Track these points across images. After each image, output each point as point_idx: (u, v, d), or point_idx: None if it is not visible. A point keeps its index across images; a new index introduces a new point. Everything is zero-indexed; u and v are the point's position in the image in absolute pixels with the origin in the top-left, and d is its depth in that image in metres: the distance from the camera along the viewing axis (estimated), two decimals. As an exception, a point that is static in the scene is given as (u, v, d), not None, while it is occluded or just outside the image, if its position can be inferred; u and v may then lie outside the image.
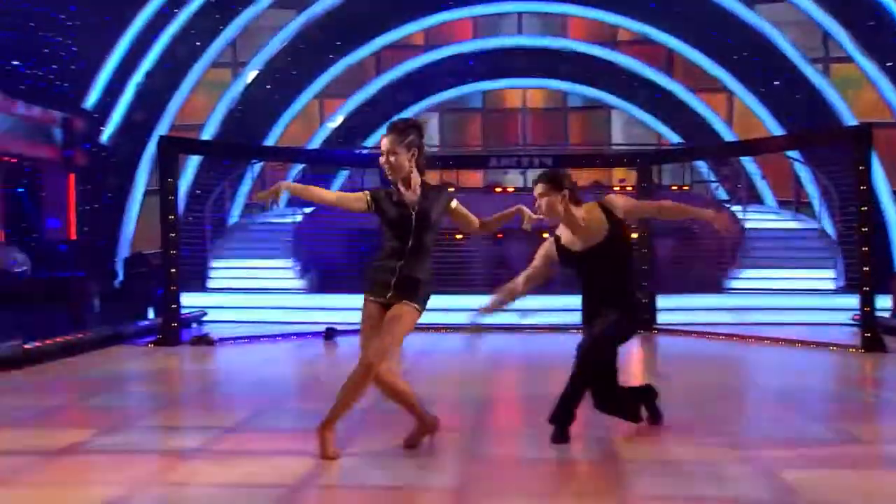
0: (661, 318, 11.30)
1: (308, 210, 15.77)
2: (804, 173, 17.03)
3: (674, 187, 16.86)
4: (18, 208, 16.06)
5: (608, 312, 4.76)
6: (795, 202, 16.79)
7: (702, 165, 18.40)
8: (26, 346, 8.06)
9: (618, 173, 18.38)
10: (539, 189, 4.75)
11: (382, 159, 4.45)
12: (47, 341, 8.46)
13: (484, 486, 4.09)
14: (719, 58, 18.68)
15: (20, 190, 16.27)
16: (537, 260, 4.98)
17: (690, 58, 18.99)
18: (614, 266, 4.77)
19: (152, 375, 7.96)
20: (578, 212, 4.73)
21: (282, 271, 14.76)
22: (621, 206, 4.73)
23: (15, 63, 16.22)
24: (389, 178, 4.49)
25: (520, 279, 5.04)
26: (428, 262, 4.51)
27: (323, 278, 14.66)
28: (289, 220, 15.85)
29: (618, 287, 4.80)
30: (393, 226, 4.45)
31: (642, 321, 4.76)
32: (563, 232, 4.82)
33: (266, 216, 17.10)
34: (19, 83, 15.85)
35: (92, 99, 18.13)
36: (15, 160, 15.82)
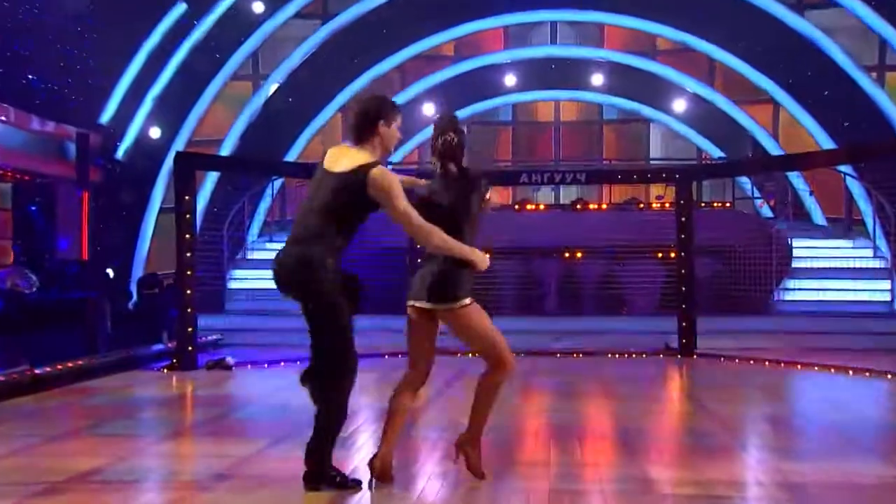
0: (701, 342, 11.21)
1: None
2: (857, 189, 16.86)
3: (715, 204, 16.76)
4: (30, 227, 16.29)
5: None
6: (847, 220, 16.60)
7: (745, 181, 18.25)
8: (36, 371, 8.15)
9: (655, 189, 18.31)
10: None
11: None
12: (58, 366, 8.55)
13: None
14: (765, 66, 18.56)
15: (32, 208, 16.52)
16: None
17: (734, 67, 18.90)
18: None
19: (166, 401, 8.01)
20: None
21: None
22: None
23: (30, 77, 16.51)
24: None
25: None
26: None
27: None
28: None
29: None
30: None
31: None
32: None
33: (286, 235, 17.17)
34: (35, 98, 16.12)
35: (108, 113, 18.41)
36: (28, 177, 16.06)
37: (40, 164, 16.03)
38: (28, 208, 16.55)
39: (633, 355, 11.18)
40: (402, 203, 4.30)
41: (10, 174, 15.67)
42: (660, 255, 13.39)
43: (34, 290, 13.43)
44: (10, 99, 15.30)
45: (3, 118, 14.92)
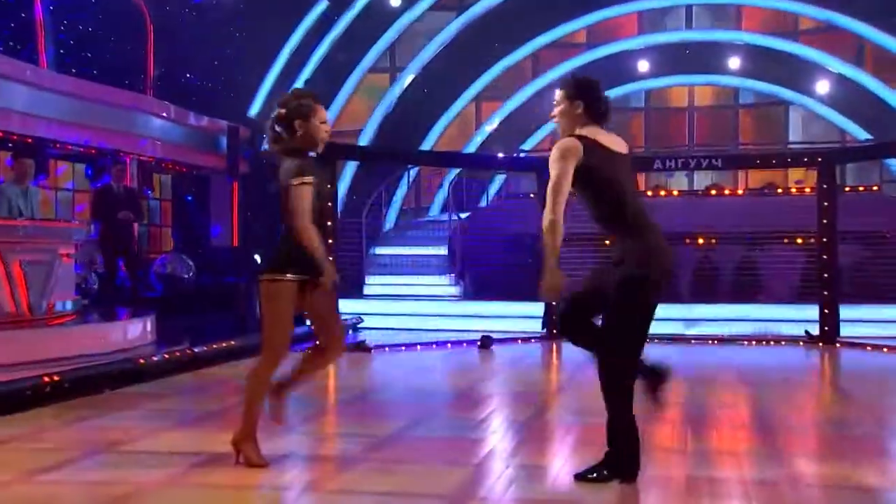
0: (845, 330, 10.71)
1: (464, 214, 15.96)
2: None
3: (861, 188, 15.95)
4: (187, 216, 17.06)
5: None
6: None
7: (893, 164, 17.26)
8: (194, 350, 8.54)
9: (794, 174, 17.58)
10: (556, 95, 4.36)
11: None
12: (213, 346, 8.93)
13: None
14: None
15: (189, 198, 17.28)
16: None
17: (883, 44, 17.84)
18: (591, 207, 4.24)
19: (309, 382, 8.23)
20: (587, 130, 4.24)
21: (437, 278, 14.99)
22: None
23: (188, 75, 17.28)
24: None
25: None
26: None
27: (479, 284, 14.77)
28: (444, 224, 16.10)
29: (613, 232, 4.25)
30: None
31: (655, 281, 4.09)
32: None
33: (422, 220, 17.44)
34: (191, 94, 16.84)
35: (255, 107, 19.06)
36: (185, 169, 16.81)
37: (196, 157, 16.71)
38: (185, 198, 17.31)
39: (772, 342, 10.79)
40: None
41: (169, 166, 16.44)
42: (799, 240, 12.83)
43: (191, 275, 14.06)
44: (170, 97, 16.05)
45: (164, 115, 15.64)
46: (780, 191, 16.47)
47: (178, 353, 8.32)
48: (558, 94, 4.33)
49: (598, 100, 4.27)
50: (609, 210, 4.18)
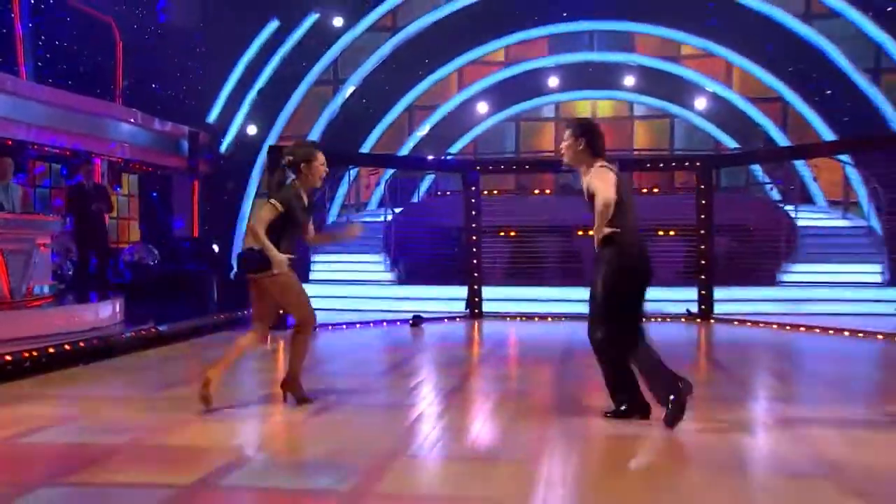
0: (718, 308, 11.09)
1: (398, 209, 15.98)
2: (854, 175, 16.41)
3: (731, 188, 16.45)
4: (152, 210, 16.74)
5: (595, 282, 4.68)
6: (845, 202, 16.17)
7: (757, 169, 17.88)
8: (159, 329, 8.43)
9: (679, 176, 18.05)
10: (565, 133, 4.82)
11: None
12: (175, 325, 8.82)
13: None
14: (775, 69, 18.13)
15: (154, 194, 16.95)
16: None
17: (748, 69, 18.47)
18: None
19: (262, 356, 8.21)
20: (592, 162, 4.69)
21: (374, 265, 14.99)
22: (590, 177, 4.66)
23: (153, 85, 16.92)
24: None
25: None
26: None
27: (411, 271, 14.83)
28: (380, 219, 16.10)
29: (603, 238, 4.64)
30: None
31: (634, 273, 4.64)
32: (582, 177, 4.78)
33: (361, 216, 17.40)
34: (157, 103, 16.51)
35: (213, 114, 18.74)
36: (150, 169, 16.48)
37: (160, 158, 16.42)
38: (150, 195, 16.98)
39: (659, 319, 11.12)
40: None
41: (136, 166, 16.10)
42: (672, 232, 13.20)
43: (156, 262, 13.81)
44: (138, 105, 15.73)
45: (131, 120, 15.31)
46: (656, 190, 16.93)
47: (144, 332, 8.21)
48: (566, 132, 4.79)
49: (598, 137, 4.71)
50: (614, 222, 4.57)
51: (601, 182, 4.53)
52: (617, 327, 4.61)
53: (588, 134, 4.70)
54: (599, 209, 4.50)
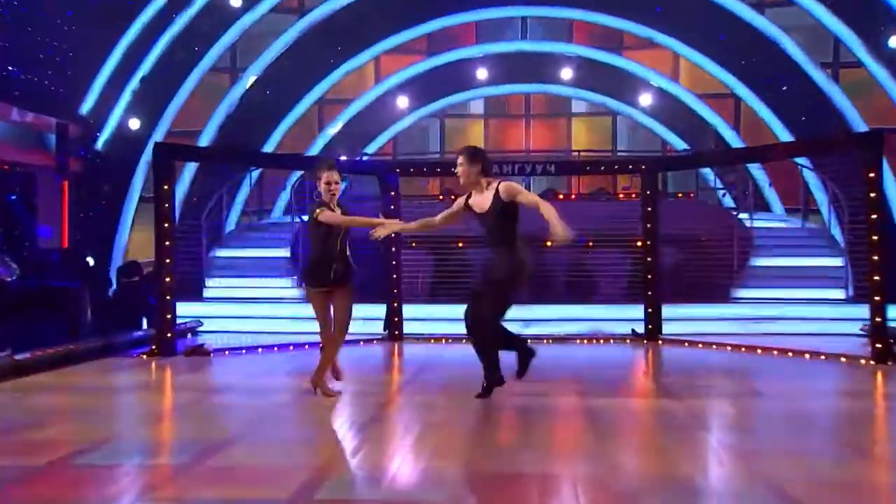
0: (666, 328, 11.27)
1: (305, 217, 15.74)
2: (813, 180, 17.00)
3: (679, 194, 16.82)
4: (10, 215, 16.06)
5: (491, 278, 6.40)
6: (804, 210, 16.73)
7: (708, 173, 18.35)
8: (16, 358, 8.03)
9: (622, 180, 18.36)
10: (459, 160, 6.49)
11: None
12: (38, 352, 8.43)
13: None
14: (726, 62, 18.66)
15: (12, 197, 16.28)
16: (454, 207, 6.68)
17: (697, 62, 18.98)
18: (499, 228, 6.38)
19: (144, 387, 7.93)
20: (485, 182, 6.47)
21: (279, 280, 14.74)
22: (503, 190, 6.33)
23: (10, 68, 16.28)
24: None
25: (438, 217, 6.76)
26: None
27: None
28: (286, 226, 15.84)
29: (503, 245, 6.37)
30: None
31: (525, 277, 6.45)
32: (474, 195, 6.53)
33: (262, 223, 17.12)
34: (14, 89, 15.90)
35: (87, 105, 18.16)
36: (7, 167, 15.86)
37: (19, 154, 15.84)
38: (8, 197, 16.31)
39: (602, 341, 11.23)
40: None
41: (-11, 163, 15.47)
42: (621, 244, 13.34)
43: (15, 277, 13.23)
44: (-10, 91, 15.14)
45: (-19, 109, 14.72)
46: (608, 196, 17.15)
47: (-2, 361, 7.81)
48: (459, 158, 6.50)
49: (487, 160, 6.60)
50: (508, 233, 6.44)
51: (520, 188, 6.44)
52: (501, 315, 6.39)
53: (481, 159, 6.48)
54: (545, 204, 6.18)
